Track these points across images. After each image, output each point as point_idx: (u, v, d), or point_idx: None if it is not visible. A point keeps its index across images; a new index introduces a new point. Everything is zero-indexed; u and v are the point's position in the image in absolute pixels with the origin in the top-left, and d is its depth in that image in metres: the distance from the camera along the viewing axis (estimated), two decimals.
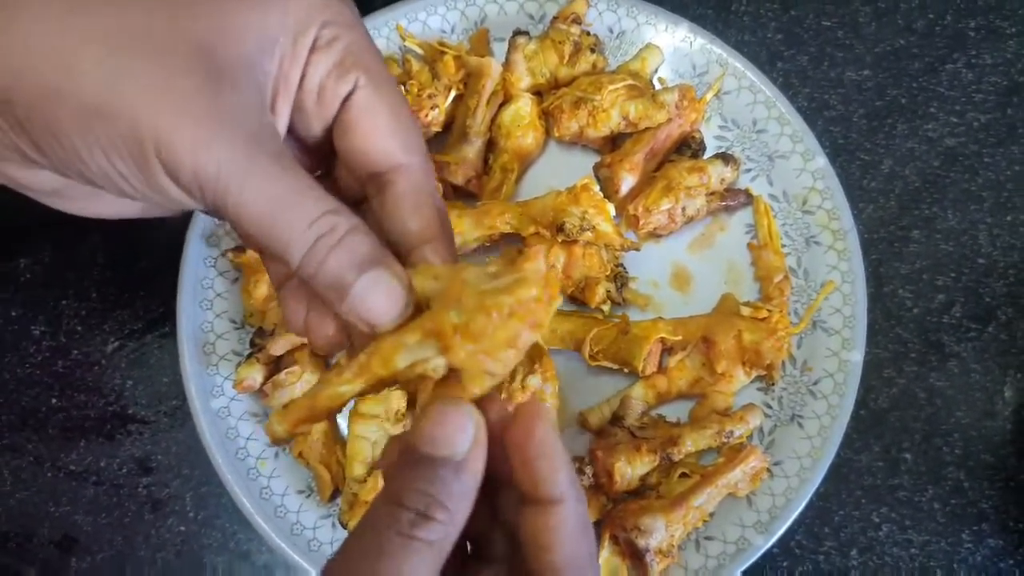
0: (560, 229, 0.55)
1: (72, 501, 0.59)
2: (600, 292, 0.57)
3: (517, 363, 0.30)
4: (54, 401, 0.61)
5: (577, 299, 0.58)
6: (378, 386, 0.30)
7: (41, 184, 0.31)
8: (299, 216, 0.28)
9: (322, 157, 0.35)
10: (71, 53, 0.26)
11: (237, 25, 0.29)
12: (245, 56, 0.29)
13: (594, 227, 0.55)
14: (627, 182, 0.59)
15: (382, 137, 0.32)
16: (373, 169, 0.33)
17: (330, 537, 0.55)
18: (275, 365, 0.57)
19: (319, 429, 0.56)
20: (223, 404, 0.57)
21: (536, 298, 0.28)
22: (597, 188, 0.56)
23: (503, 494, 0.31)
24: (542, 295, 0.28)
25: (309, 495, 0.56)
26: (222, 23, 0.28)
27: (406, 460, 0.28)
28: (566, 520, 0.28)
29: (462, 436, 0.28)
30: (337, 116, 0.33)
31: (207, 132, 0.27)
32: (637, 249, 0.58)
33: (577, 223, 0.55)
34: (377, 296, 0.29)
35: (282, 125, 0.32)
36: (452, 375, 0.29)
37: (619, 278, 0.58)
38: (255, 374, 0.56)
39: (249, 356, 0.56)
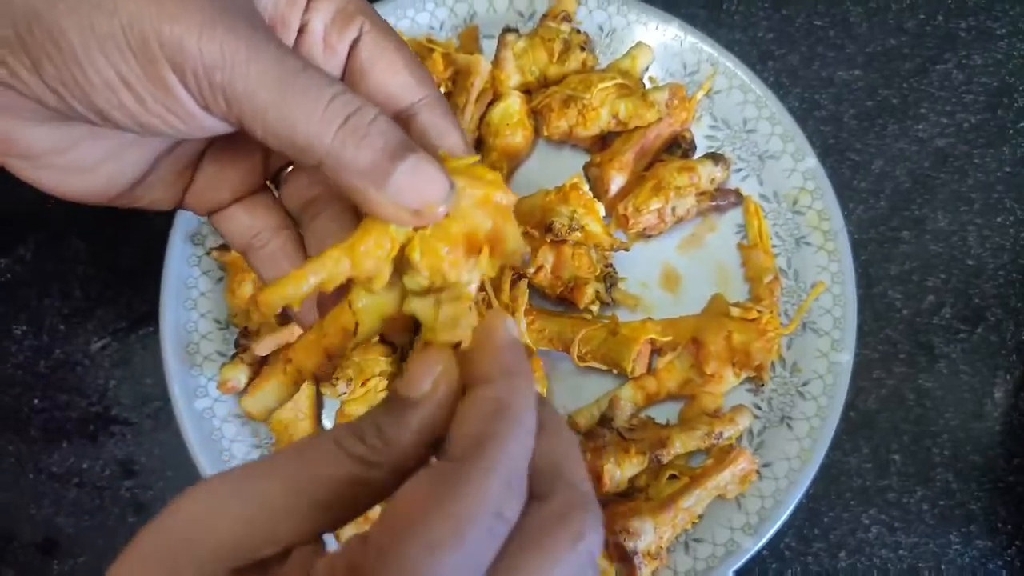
0: (549, 229, 0.55)
1: (54, 503, 0.59)
2: (589, 292, 0.57)
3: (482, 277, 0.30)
4: (36, 402, 0.60)
5: (566, 299, 0.58)
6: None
7: (38, 141, 0.30)
8: (312, 98, 0.27)
9: None
10: None
11: None
12: None
13: (583, 227, 0.55)
14: (617, 182, 0.59)
15: (399, 74, 0.33)
16: (395, 107, 0.33)
17: None
18: (260, 366, 0.56)
19: (304, 429, 0.55)
20: (207, 405, 0.56)
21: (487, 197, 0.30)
22: (586, 187, 0.56)
23: None
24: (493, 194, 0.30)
25: None
26: None
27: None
28: (476, 400, 0.26)
29: (428, 377, 0.27)
30: (348, 63, 0.33)
31: (208, 16, 0.26)
32: (626, 249, 0.57)
33: (566, 223, 0.54)
34: (423, 180, 0.27)
35: None
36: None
37: (608, 278, 0.58)
38: (240, 375, 0.55)
39: (234, 357, 0.56)
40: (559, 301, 0.59)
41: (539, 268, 0.57)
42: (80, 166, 0.32)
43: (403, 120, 0.33)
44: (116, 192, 0.34)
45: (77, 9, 0.26)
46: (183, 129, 0.29)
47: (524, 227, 0.56)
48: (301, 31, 0.32)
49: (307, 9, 0.32)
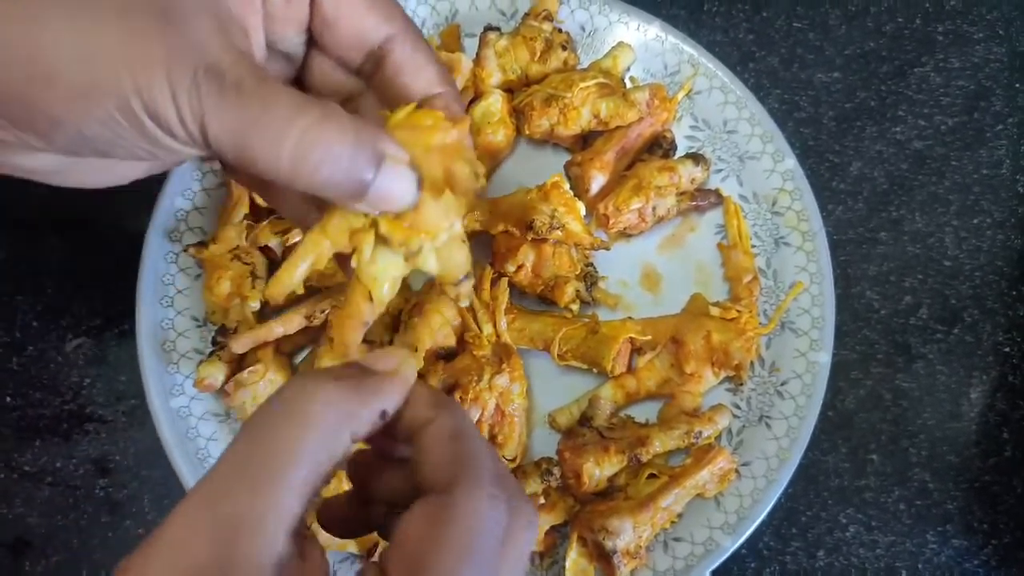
0: (529, 227, 0.55)
1: (26, 503, 0.58)
2: (569, 291, 0.57)
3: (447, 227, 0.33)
4: (8, 399, 0.59)
5: (546, 298, 0.58)
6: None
7: (45, 166, 0.32)
8: (277, 144, 0.28)
9: (306, 64, 0.36)
10: (39, 34, 0.27)
11: None
12: None
13: (564, 226, 0.55)
14: (597, 181, 0.59)
15: (364, 15, 0.34)
16: (366, 48, 0.34)
17: None
18: (237, 364, 0.56)
19: None
20: (183, 403, 0.55)
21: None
22: (567, 186, 0.56)
23: None
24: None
25: None
26: None
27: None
28: (434, 434, 0.30)
29: (390, 362, 0.31)
30: (312, 14, 0.33)
31: (176, 75, 0.27)
32: (607, 248, 0.57)
33: (547, 221, 0.54)
34: (391, 194, 0.30)
35: (258, 43, 0.32)
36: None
37: (588, 277, 0.58)
38: (217, 373, 0.54)
39: (211, 354, 0.55)
40: (539, 300, 0.58)
41: (520, 267, 0.57)
42: (93, 168, 0.33)
43: (377, 58, 0.34)
44: (135, 177, 0.35)
45: (69, 98, 0.27)
46: (179, 159, 0.32)
47: (505, 225, 0.56)
48: None
49: None
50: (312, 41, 0.35)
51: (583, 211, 0.56)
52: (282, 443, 0.27)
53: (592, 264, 0.59)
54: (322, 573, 0.27)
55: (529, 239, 0.56)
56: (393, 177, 0.30)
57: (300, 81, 0.37)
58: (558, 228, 0.55)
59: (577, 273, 0.57)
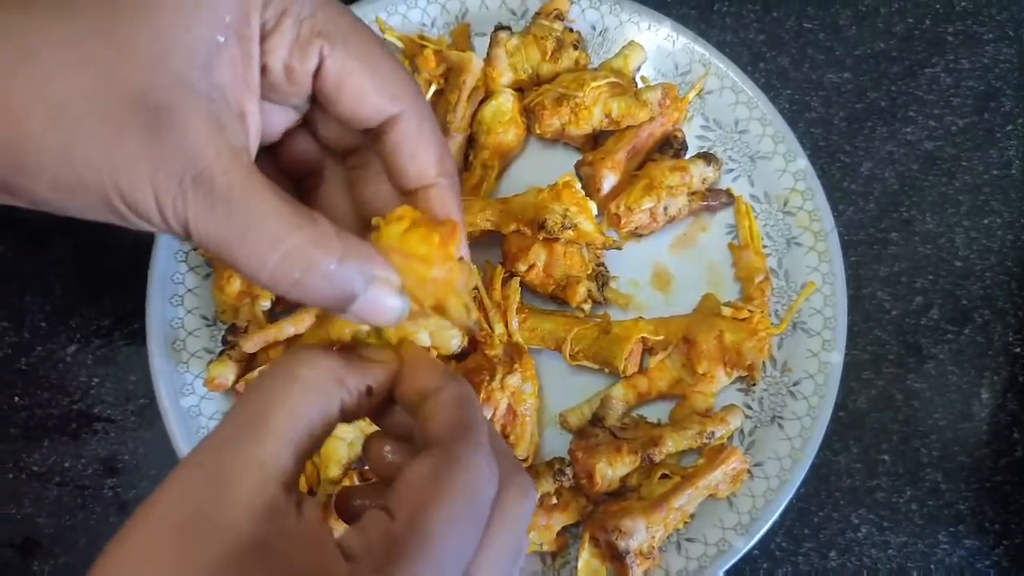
0: (542, 226, 0.55)
1: (34, 503, 0.57)
2: (581, 291, 0.57)
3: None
4: (16, 399, 0.59)
5: (558, 298, 0.58)
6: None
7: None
8: (262, 261, 0.28)
9: (312, 114, 0.36)
10: (24, 135, 0.27)
11: (168, 47, 0.27)
12: (183, 83, 0.27)
13: (575, 225, 0.55)
14: (609, 180, 0.58)
15: (366, 96, 0.32)
16: (366, 126, 0.34)
17: None
18: (248, 363, 0.55)
19: None
20: (193, 403, 0.55)
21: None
22: (579, 186, 0.56)
23: None
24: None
25: None
26: (152, 53, 0.27)
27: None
28: (443, 398, 0.32)
29: (378, 353, 0.33)
30: (315, 89, 0.32)
31: (161, 184, 0.27)
32: (619, 248, 0.57)
33: (559, 221, 0.54)
34: (376, 309, 0.31)
35: (253, 126, 0.30)
36: None
37: (600, 277, 0.58)
38: (227, 372, 0.54)
39: (221, 353, 0.55)
40: (551, 299, 0.58)
41: (531, 267, 0.57)
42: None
43: (375, 135, 0.34)
44: None
45: (53, 187, 0.28)
46: None
47: (517, 224, 0.56)
48: (263, 72, 0.31)
49: (263, 52, 0.30)
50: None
51: (595, 211, 0.56)
52: (271, 396, 0.29)
53: (603, 264, 0.59)
54: (319, 530, 0.28)
55: (541, 239, 0.56)
56: (380, 297, 0.31)
57: (308, 122, 0.36)
58: (570, 228, 0.55)
59: (589, 273, 0.57)
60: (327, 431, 0.30)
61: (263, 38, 0.30)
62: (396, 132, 0.33)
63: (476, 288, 0.55)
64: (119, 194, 0.27)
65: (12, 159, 0.27)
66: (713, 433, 0.55)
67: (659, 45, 0.62)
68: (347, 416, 0.31)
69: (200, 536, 0.26)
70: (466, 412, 0.31)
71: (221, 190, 0.28)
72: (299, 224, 0.28)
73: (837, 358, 0.56)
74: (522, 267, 0.57)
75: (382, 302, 0.31)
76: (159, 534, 0.26)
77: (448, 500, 0.28)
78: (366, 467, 0.55)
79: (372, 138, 0.34)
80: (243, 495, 0.26)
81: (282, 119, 0.35)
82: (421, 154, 0.34)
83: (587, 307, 0.57)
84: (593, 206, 0.56)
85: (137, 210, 0.28)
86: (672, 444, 0.54)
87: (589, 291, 0.57)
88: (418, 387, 0.32)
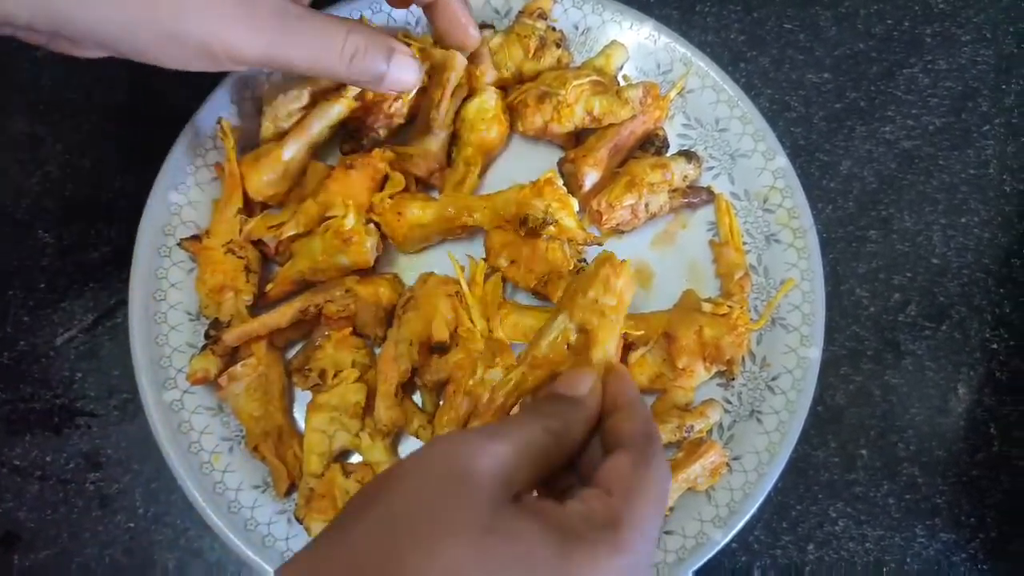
0: (523, 223, 0.55)
1: (16, 497, 0.57)
2: (563, 287, 0.57)
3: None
4: None
5: (540, 293, 0.58)
6: None
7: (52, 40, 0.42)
8: (332, 55, 0.45)
9: None
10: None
11: None
12: None
13: (557, 221, 0.55)
14: (591, 177, 0.59)
15: None
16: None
17: (285, 533, 0.54)
18: (231, 357, 0.56)
19: (275, 423, 0.55)
20: (176, 397, 0.55)
21: None
22: (560, 183, 0.56)
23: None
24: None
25: (265, 490, 0.55)
26: None
27: (545, 396, 0.42)
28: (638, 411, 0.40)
29: (585, 384, 0.41)
30: None
31: (254, 29, 0.41)
32: (600, 244, 0.58)
33: (540, 216, 0.55)
34: (403, 79, 0.49)
35: None
36: (583, 351, 0.44)
37: (581, 273, 0.58)
38: (209, 366, 0.54)
39: (204, 348, 0.55)
40: (533, 294, 0.59)
41: (513, 262, 0.57)
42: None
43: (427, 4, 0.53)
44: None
45: (158, 40, 0.40)
46: None
47: (500, 221, 0.56)
48: None
49: None
50: None
51: (576, 207, 0.57)
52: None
53: (585, 259, 0.59)
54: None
55: (522, 235, 0.56)
56: (403, 75, 0.48)
57: None
58: (551, 223, 0.55)
59: (570, 268, 0.57)
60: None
61: None
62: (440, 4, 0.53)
63: (458, 283, 0.56)
64: (221, 47, 0.41)
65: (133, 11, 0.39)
66: (692, 427, 0.55)
67: (641, 44, 0.63)
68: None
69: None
70: (652, 425, 0.39)
71: (295, 20, 0.43)
72: (342, 28, 0.46)
73: (815, 354, 0.57)
74: (504, 262, 0.57)
75: (404, 72, 0.48)
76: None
77: (652, 489, 0.35)
78: (347, 460, 0.55)
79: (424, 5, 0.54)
80: (486, 465, 0.33)
81: None
82: (455, 22, 0.54)
83: None
84: (575, 202, 0.57)
85: (238, 57, 0.42)
86: None
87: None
88: (620, 400, 0.40)
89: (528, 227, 0.55)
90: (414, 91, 0.53)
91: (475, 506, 0.31)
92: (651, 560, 0.36)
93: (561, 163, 0.61)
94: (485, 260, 0.58)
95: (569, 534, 0.31)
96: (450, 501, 0.31)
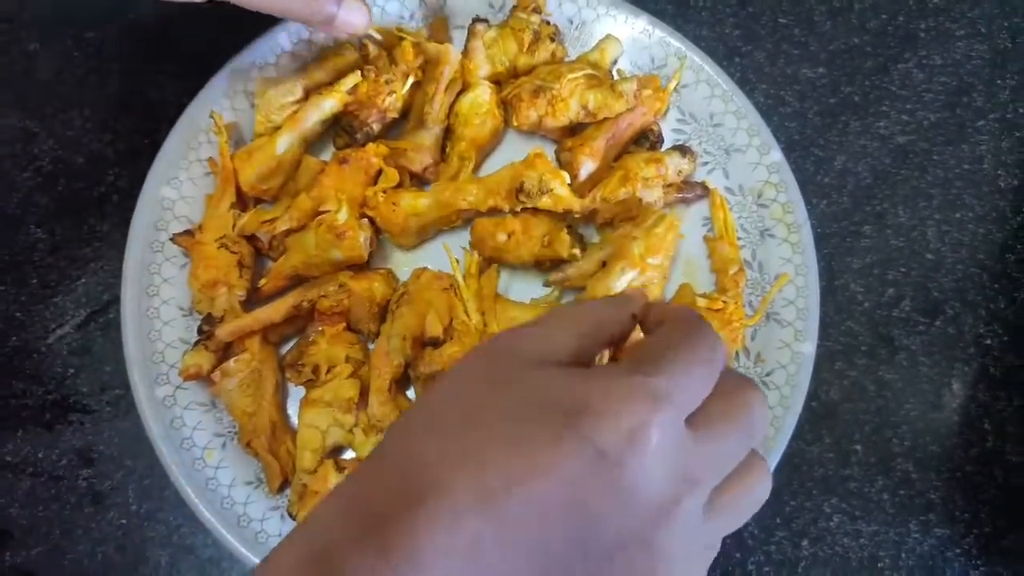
0: (520, 190, 0.55)
1: (7, 494, 0.57)
2: (566, 238, 0.57)
3: None
4: None
5: (545, 262, 0.57)
6: None
7: None
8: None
9: None
10: None
11: None
12: None
13: (551, 190, 0.55)
14: (587, 167, 0.59)
15: None
16: None
17: (278, 529, 0.53)
18: (224, 352, 0.55)
19: (268, 419, 0.55)
20: (168, 393, 0.55)
21: None
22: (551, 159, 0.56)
23: None
24: None
25: (257, 486, 0.55)
26: None
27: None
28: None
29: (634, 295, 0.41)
30: None
31: None
32: (596, 211, 0.58)
33: (536, 184, 0.55)
34: (353, 20, 0.51)
35: None
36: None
37: (573, 234, 0.58)
38: (202, 362, 0.54)
39: (196, 343, 0.55)
40: (537, 266, 0.58)
41: (511, 233, 0.57)
42: None
43: None
44: None
45: None
46: None
47: (494, 200, 0.56)
48: None
49: None
50: None
51: (568, 180, 0.56)
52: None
53: (573, 227, 0.59)
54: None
55: (519, 209, 0.56)
56: (352, 17, 0.51)
57: None
58: (547, 192, 0.55)
59: (566, 223, 0.57)
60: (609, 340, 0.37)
61: None
62: None
63: (452, 278, 0.56)
64: None
65: None
66: None
67: (635, 39, 0.63)
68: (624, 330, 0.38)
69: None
70: (698, 317, 0.36)
71: None
72: None
73: (809, 348, 0.57)
74: (502, 236, 0.57)
75: (358, 14, 0.51)
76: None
77: (698, 336, 0.33)
78: (341, 456, 0.55)
79: None
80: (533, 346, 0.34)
81: None
82: None
83: (577, 252, 0.57)
84: (566, 175, 0.56)
85: None
86: None
87: (573, 238, 0.57)
88: (664, 314, 0.38)
89: (525, 193, 0.55)
90: (365, 32, 0.53)
91: (509, 363, 0.32)
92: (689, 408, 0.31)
93: (558, 151, 0.61)
94: (472, 248, 0.58)
95: (590, 373, 0.31)
96: (483, 362, 0.33)
